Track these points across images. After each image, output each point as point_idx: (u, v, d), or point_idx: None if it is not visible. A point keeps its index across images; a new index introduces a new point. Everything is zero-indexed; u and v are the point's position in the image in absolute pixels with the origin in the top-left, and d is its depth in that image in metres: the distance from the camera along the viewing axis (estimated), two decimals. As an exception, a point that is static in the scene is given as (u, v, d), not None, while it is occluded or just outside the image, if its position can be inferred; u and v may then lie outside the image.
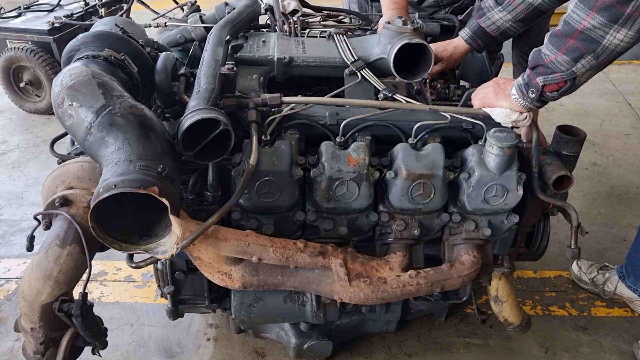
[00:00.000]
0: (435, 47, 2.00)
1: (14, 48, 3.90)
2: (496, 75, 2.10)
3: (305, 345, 2.05)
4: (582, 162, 3.37)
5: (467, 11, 2.21)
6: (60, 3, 4.26)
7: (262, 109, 1.58)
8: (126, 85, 1.48)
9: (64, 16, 3.96)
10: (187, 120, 1.37)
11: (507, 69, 2.55)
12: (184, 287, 1.89)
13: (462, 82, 2.21)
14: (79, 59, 1.47)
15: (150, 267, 2.62)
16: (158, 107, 1.64)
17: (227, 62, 1.70)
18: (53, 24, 3.87)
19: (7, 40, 3.96)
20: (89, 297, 2.49)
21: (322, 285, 1.56)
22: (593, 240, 2.74)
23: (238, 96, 1.59)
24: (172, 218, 1.20)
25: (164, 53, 1.64)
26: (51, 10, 4.16)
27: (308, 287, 1.59)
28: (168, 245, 1.26)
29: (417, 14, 2.25)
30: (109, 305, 2.47)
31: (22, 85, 4.05)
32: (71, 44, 1.53)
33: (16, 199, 3.23)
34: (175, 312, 1.91)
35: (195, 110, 1.39)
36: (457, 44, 2.03)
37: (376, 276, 1.56)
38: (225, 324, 2.33)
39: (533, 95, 1.50)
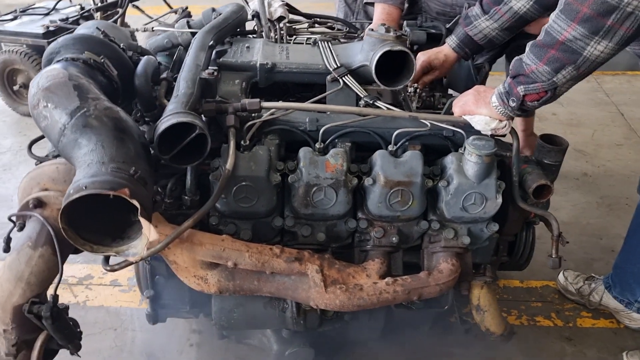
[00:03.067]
0: (428, 56, 2.01)
1: (9, 51, 3.91)
2: (482, 84, 2.10)
3: (287, 352, 2.04)
4: (572, 172, 3.37)
5: (454, 20, 2.22)
6: (57, 7, 4.28)
7: (241, 114, 1.58)
8: (105, 88, 1.48)
9: (59, 20, 3.97)
10: (163, 124, 1.37)
11: (492, 77, 2.55)
12: (166, 291, 1.89)
13: (450, 91, 2.22)
14: (58, 61, 1.48)
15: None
16: (139, 111, 1.64)
17: (209, 67, 1.70)
18: (48, 27, 3.88)
19: (2, 43, 3.98)
20: (75, 301, 2.51)
21: (298, 291, 1.55)
22: (581, 251, 2.73)
23: (218, 101, 1.59)
24: (142, 220, 1.19)
25: (145, 57, 1.65)
26: (47, 14, 4.17)
27: (285, 293, 1.58)
28: (139, 247, 1.25)
29: (405, 22, 2.27)
30: (94, 310, 2.46)
31: (16, 88, 4.06)
32: (51, 46, 1.54)
33: (6, 201, 3.22)
34: (155, 317, 1.90)
35: (171, 114, 1.39)
36: (447, 52, 2.03)
37: (352, 283, 1.55)
38: (209, 329, 2.32)
39: (514, 104, 1.50)
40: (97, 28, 1.62)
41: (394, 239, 1.63)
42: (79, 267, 2.68)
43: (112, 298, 2.54)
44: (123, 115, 1.35)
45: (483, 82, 2.23)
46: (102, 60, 1.51)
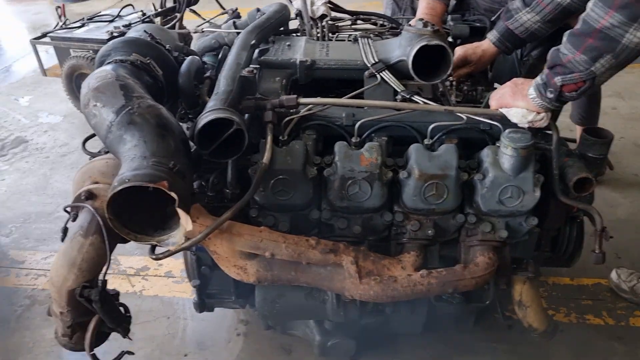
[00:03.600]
0: (465, 50, 2.00)
1: (77, 56, 4.15)
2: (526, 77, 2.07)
3: (329, 343, 2.09)
4: (631, 167, 3.23)
5: (498, 13, 2.19)
6: (121, 14, 4.50)
7: (279, 110, 1.64)
8: (150, 88, 1.57)
9: (123, 26, 4.17)
10: (202, 120, 1.45)
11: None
12: (212, 282, 1.97)
13: (495, 85, 2.20)
14: (108, 63, 1.58)
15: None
16: (183, 109, 1.73)
17: (250, 66, 1.77)
18: (112, 33, 4.08)
19: (70, 50, 4.22)
20: (132, 290, 2.65)
21: (333, 282, 1.59)
22: (637, 249, 2.62)
23: (257, 98, 1.65)
24: (180, 211, 1.27)
25: (189, 57, 1.73)
26: (111, 21, 4.39)
27: (320, 284, 1.62)
28: (177, 237, 1.33)
29: (449, 16, 2.26)
30: (149, 299, 2.60)
31: (83, 91, 4.29)
32: (103, 49, 1.65)
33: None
34: (202, 305, 1.99)
35: (210, 111, 1.46)
36: (486, 46, 2.01)
37: (387, 274, 1.58)
38: (256, 320, 2.40)
39: (552, 96, 1.48)
40: (145, 31, 1.72)
41: (429, 231, 1.64)
42: (137, 259, 2.83)
43: (166, 288, 2.67)
44: (164, 113, 1.44)
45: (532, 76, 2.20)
46: (148, 61, 1.60)
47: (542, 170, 1.61)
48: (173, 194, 1.25)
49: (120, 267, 2.79)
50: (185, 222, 1.29)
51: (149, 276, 2.75)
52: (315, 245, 1.57)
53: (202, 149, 1.46)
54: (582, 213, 1.78)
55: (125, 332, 1.56)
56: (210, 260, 1.88)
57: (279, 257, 1.55)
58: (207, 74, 1.77)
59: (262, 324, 2.30)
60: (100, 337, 1.57)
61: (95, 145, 1.73)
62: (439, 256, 1.71)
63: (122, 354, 1.62)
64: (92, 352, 1.53)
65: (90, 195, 1.47)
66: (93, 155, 1.64)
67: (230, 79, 1.61)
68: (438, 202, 1.59)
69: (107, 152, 1.64)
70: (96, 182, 1.51)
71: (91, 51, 4.13)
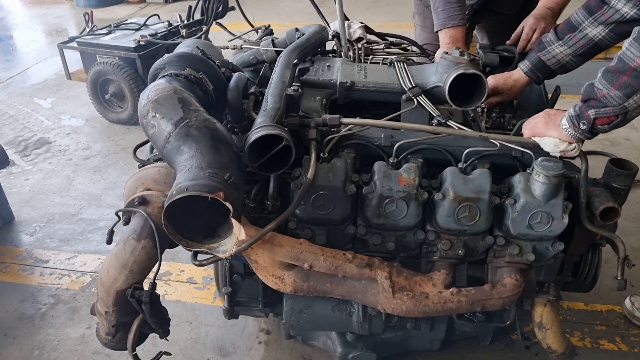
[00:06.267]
0: (497, 80, 2.07)
1: (103, 62, 4.25)
2: (552, 107, 2.14)
3: (350, 356, 2.14)
4: (644, 198, 3.31)
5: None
6: (147, 23, 4.60)
7: (322, 129, 1.71)
8: (202, 101, 1.65)
9: (149, 35, 4.28)
10: (254, 134, 1.52)
11: (564, 100, 2.57)
12: (241, 290, 2.04)
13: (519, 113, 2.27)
14: (163, 76, 1.66)
15: (210, 272, 2.81)
16: (228, 122, 1.81)
17: (293, 84, 1.85)
18: (139, 41, 4.19)
19: (97, 55, 4.32)
20: (155, 293, 2.69)
21: (367, 295, 1.66)
22: (651, 278, 2.69)
23: (301, 115, 1.73)
24: (234, 221, 1.34)
25: (237, 73, 1.81)
26: (138, 29, 4.50)
27: (354, 296, 1.69)
28: (228, 245, 1.40)
29: (478, 45, 2.33)
30: (171, 304, 2.66)
31: (107, 96, 4.40)
32: (158, 62, 1.73)
33: (95, 200, 3.51)
34: (231, 312, 2.05)
35: (261, 127, 1.54)
36: (518, 76, 2.08)
37: (419, 290, 1.65)
38: (277, 329, 2.46)
39: (584, 127, 1.56)
40: (197, 47, 1.81)
41: (460, 251, 1.71)
42: (160, 263, 2.89)
43: (188, 294, 2.73)
44: (219, 126, 1.51)
45: (552, 106, 2.27)
46: (201, 76, 1.68)
47: (569, 198, 1.69)
48: (228, 205, 1.32)
49: (143, 271, 2.84)
50: (238, 231, 1.36)
51: (172, 281, 2.81)
52: (351, 259, 1.64)
53: (252, 162, 1.54)
54: (604, 241, 1.85)
55: (166, 334, 1.63)
56: (243, 269, 1.96)
57: (316, 269, 1.62)
58: (252, 89, 1.84)
59: (283, 334, 2.36)
60: (140, 338, 1.64)
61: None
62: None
63: (160, 354, 1.68)
64: (134, 352, 1.59)
65: (143, 201, 1.54)
66: (143, 163, 1.72)
67: (277, 97, 1.69)
68: (470, 224, 1.66)
69: (156, 161, 1.72)
70: (148, 189, 1.58)
71: (117, 58, 4.24)
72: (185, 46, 1.87)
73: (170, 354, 1.73)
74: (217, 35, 4.43)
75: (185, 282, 2.81)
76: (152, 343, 2.04)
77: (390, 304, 1.63)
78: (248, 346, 2.41)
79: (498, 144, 1.71)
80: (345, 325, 1.93)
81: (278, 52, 2.13)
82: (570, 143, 1.63)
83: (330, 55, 2.30)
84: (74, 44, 4.48)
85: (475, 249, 1.74)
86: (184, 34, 4.30)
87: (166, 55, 1.73)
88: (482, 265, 1.80)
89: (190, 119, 1.47)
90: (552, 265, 1.82)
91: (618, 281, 1.71)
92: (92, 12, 4.71)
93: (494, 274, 1.75)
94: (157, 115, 1.48)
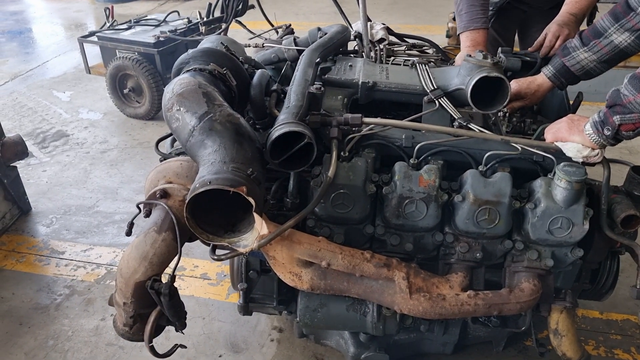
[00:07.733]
0: (520, 84, 2.06)
1: (122, 57, 4.28)
2: (574, 113, 2.13)
3: (362, 356, 2.14)
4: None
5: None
6: (167, 19, 4.64)
7: (343, 128, 1.72)
8: (225, 96, 1.66)
9: (169, 31, 4.31)
10: (276, 131, 1.53)
11: (583, 107, 2.55)
12: (256, 287, 2.04)
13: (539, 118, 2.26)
14: (187, 70, 1.67)
15: (223, 268, 2.82)
16: (250, 118, 1.82)
17: (315, 83, 1.85)
18: (158, 37, 4.23)
19: (116, 50, 4.36)
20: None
21: (384, 295, 1.66)
22: (667, 288, 2.66)
23: (323, 114, 1.73)
24: (256, 216, 1.35)
25: (260, 70, 1.82)
26: (157, 25, 4.53)
27: (371, 296, 1.69)
28: (249, 240, 1.40)
29: (500, 49, 2.33)
30: (185, 299, 2.58)
31: (125, 91, 4.43)
32: (182, 57, 1.74)
33: (111, 193, 3.54)
34: (246, 309, 2.05)
35: (284, 124, 1.55)
36: (541, 81, 2.07)
37: (436, 292, 1.64)
38: (289, 327, 2.47)
39: (608, 133, 1.55)
40: (221, 43, 1.82)
41: (478, 254, 1.70)
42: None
43: (202, 290, 2.74)
44: (243, 122, 1.52)
45: (574, 111, 2.26)
46: (225, 72, 1.69)
47: (590, 204, 1.67)
48: (251, 199, 1.33)
49: (158, 265, 2.86)
50: (260, 226, 1.37)
51: (185, 276, 2.83)
52: (369, 258, 1.64)
53: (273, 158, 1.54)
54: (624, 248, 1.84)
55: (182, 327, 1.64)
56: (259, 265, 1.96)
57: (334, 267, 1.63)
58: (274, 87, 1.85)
59: (296, 332, 2.37)
60: (157, 330, 1.65)
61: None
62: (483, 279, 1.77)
63: (176, 347, 1.69)
64: (150, 344, 1.60)
65: (164, 194, 1.55)
66: (164, 157, 1.73)
67: (300, 95, 1.70)
68: (489, 227, 1.65)
69: (177, 155, 1.73)
70: (170, 182, 1.59)
71: (136, 53, 4.27)
72: (209, 42, 1.88)
73: (185, 347, 1.73)
74: (235, 34, 4.42)
75: (199, 277, 2.82)
76: (166, 337, 2.06)
77: (407, 304, 1.63)
78: (260, 343, 2.42)
79: (520, 148, 1.70)
80: (359, 325, 1.93)
81: (300, 51, 2.14)
82: (593, 149, 1.62)
83: (352, 55, 2.30)
84: (94, 39, 4.52)
85: (493, 252, 1.73)
86: (203, 31, 4.32)
87: (190, 50, 1.75)
88: (499, 270, 1.80)
89: (214, 113, 1.48)
90: (570, 272, 1.81)
91: (637, 290, 1.70)
92: (112, 7, 4.75)
93: (512, 278, 1.74)
94: (181, 108, 1.49)
